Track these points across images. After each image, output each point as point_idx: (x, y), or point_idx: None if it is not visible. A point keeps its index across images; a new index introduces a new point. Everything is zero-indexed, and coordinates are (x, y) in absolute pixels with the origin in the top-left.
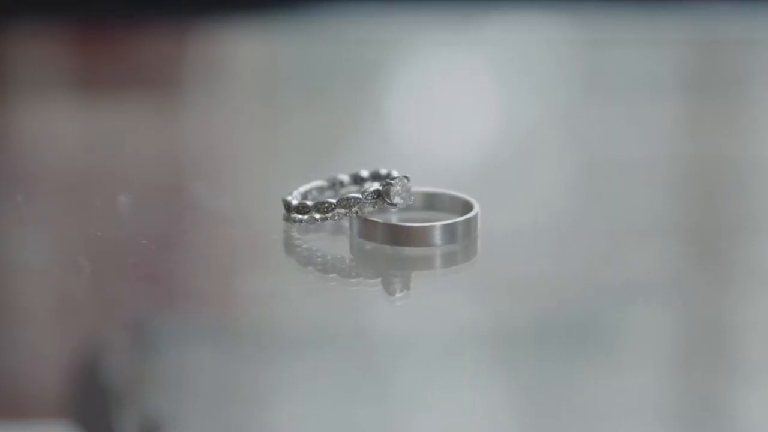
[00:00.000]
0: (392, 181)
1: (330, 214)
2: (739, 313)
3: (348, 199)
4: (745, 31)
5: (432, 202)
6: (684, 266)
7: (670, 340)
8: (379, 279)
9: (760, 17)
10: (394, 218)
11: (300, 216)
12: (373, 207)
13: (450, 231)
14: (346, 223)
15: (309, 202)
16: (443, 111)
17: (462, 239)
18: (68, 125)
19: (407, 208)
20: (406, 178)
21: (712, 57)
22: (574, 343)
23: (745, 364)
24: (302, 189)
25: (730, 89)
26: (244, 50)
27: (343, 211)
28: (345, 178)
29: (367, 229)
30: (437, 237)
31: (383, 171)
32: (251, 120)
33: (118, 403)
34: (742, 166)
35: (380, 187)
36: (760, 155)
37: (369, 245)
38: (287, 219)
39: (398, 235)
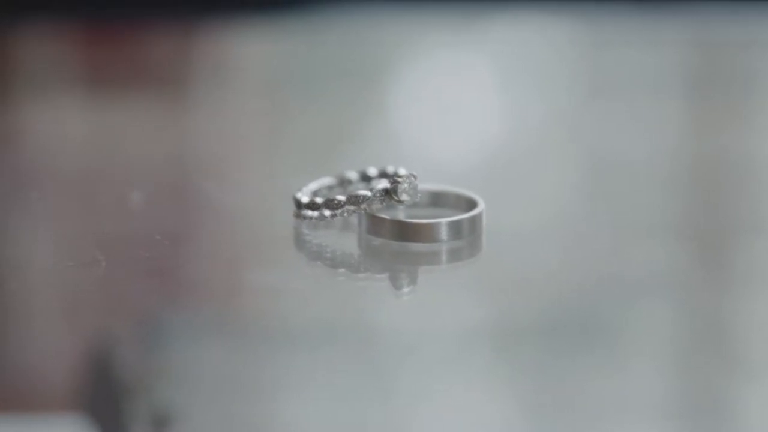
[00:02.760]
0: (400, 179)
1: (339, 211)
2: (743, 311)
3: (357, 196)
4: (747, 32)
5: (438, 200)
6: (688, 264)
7: (675, 337)
8: (387, 274)
9: (761, 17)
10: (401, 215)
11: (310, 213)
12: (381, 204)
13: (455, 228)
14: (354, 219)
15: (319, 200)
16: (449, 110)
17: (467, 236)
18: (75, 124)
19: (414, 205)
20: (413, 176)
21: (715, 57)
22: (579, 339)
23: (750, 362)
24: (312, 186)
25: (733, 89)
26: (250, 49)
27: (351, 207)
28: (353, 175)
29: (375, 225)
30: (443, 233)
31: (391, 169)
32: (258, 118)
33: (128, 396)
34: (745, 166)
35: (388, 185)
36: (762, 155)
37: (377, 241)
38: (297, 216)
39: (405, 232)
